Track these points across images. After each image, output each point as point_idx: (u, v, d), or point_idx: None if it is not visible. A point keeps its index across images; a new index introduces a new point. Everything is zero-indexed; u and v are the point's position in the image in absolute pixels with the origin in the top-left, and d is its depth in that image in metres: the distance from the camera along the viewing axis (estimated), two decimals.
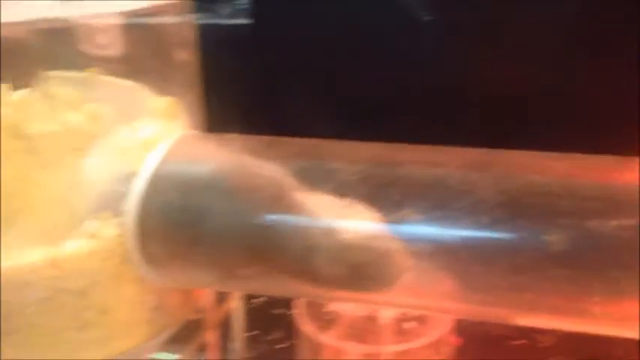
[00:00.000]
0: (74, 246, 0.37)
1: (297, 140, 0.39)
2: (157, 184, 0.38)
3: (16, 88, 0.43)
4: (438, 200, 0.35)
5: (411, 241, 0.35)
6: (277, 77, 0.65)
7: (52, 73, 0.43)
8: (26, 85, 0.43)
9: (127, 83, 0.43)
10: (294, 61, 0.64)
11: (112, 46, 0.42)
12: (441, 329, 0.54)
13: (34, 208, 0.38)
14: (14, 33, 0.40)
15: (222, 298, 0.49)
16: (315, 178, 0.37)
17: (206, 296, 0.47)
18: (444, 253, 0.34)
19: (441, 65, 0.64)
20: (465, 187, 0.35)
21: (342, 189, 0.36)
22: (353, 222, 0.35)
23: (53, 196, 0.39)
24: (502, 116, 0.63)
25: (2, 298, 0.36)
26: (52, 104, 0.43)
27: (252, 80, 0.64)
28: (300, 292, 0.41)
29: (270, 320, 0.73)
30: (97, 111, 0.42)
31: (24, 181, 0.39)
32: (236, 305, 0.50)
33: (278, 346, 0.72)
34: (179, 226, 0.38)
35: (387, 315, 0.57)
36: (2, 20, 0.38)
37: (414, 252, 0.35)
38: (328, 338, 0.56)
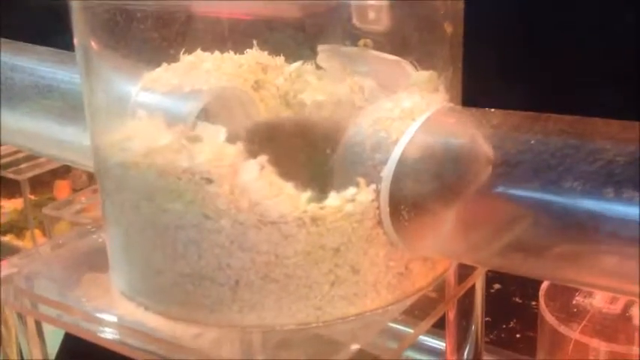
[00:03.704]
0: (334, 207, 0.38)
1: (562, 117, 0.36)
2: (412, 154, 0.38)
3: (289, 61, 0.45)
4: None
5: None
6: (544, 52, 0.61)
7: (322, 47, 0.44)
8: (299, 59, 0.45)
9: (392, 57, 0.43)
10: (566, 38, 0.59)
11: (381, 22, 0.42)
12: None
13: (302, 168, 0.39)
14: (292, 12, 0.41)
15: (464, 275, 0.47)
16: (580, 156, 0.33)
17: (449, 273, 0.45)
18: None
19: None
20: None
21: (609, 169, 0.32)
22: None
23: (320, 158, 0.40)
24: None
25: (264, 248, 0.37)
26: (321, 76, 0.45)
27: (514, 54, 0.60)
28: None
29: (512, 306, 0.70)
30: (361, 83, 0.43)
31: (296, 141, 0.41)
32: (477, 286, 0.48)
33: (517, 334, 0.69)
34: (429, 195, 0.37)
35: None
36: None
37: None
38: (573, 332, 0.52)
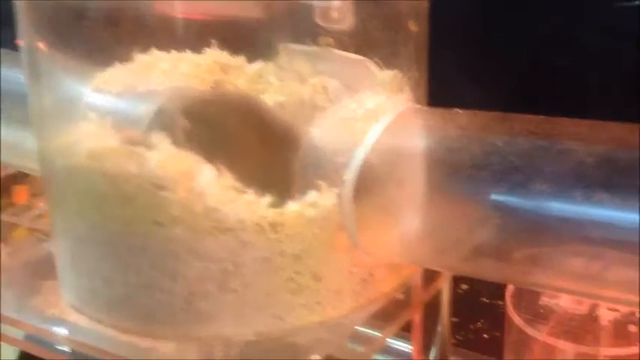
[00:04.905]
0: (294, 212, 0.36)
1: (531, 117, 0.34)
2: (376, 157, 0.36)
3: (250, 60, 0.43)
4: None
5: None
6: (511, 52, 0.59)
7: (284, 47, 0.42)
8: (260, 58, 0.43)
9: (356, 57, 0.41)
10: (532, 36, 0.58)
11: (344, 20, 0.40)
12: None
13: (261, 172, 0.37)
14: (250, 10, 0.39)
15: (430, 279, 0.46)
16: (549, 158, 0.32)
17: (415, 276, 0.44)
18: None
19: None
20: None
21: (579, 170, 0.31)
22: None
23: (279, 161, 0.38)
24: None
25: (220, 256, 0.35)
26: (282, 76, 0.42)
27: (481, 53, 0.59)
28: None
29: (479, 307, 0.69)
30: (324, 83, 0.41)
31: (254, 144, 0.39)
32: (444, 288, 0.47)
33: (484, 335, 0.67)
34: (393, 199, 0.35)
35: (608, 315, 0.51)
36: None
37: None
38: (540, 334, 0.51)
